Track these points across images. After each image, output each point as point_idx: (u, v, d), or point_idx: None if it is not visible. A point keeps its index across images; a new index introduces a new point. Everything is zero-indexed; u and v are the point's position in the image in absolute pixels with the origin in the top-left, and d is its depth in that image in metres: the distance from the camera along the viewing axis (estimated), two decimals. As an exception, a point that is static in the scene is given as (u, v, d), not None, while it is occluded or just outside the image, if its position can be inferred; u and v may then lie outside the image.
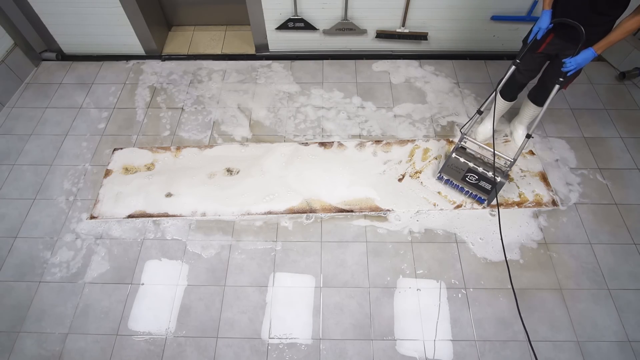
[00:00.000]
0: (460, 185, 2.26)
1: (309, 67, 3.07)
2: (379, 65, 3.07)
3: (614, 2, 1.65)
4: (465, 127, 2.19)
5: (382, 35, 2.96)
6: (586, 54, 1.72)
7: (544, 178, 2.39)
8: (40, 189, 2.39)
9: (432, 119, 2.72)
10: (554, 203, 2.28)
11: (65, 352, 1.87)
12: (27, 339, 1.91)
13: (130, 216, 2.26)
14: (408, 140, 2.59)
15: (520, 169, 2.42)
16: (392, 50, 3.12)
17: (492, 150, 2.05)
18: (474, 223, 2.22)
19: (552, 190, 2.34)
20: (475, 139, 2.34)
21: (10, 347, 1.89)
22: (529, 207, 2.27)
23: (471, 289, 2.01)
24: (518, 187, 2.34)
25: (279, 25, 2.91)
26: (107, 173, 2.45)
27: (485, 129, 2.54)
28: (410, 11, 2.80)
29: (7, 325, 1.94)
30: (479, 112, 2.11)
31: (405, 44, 3.06)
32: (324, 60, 3.12)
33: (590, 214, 2.26)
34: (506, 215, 2.23)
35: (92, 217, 2.26)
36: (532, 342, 1.85)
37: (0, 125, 2.72)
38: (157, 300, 2.00)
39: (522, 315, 1.92)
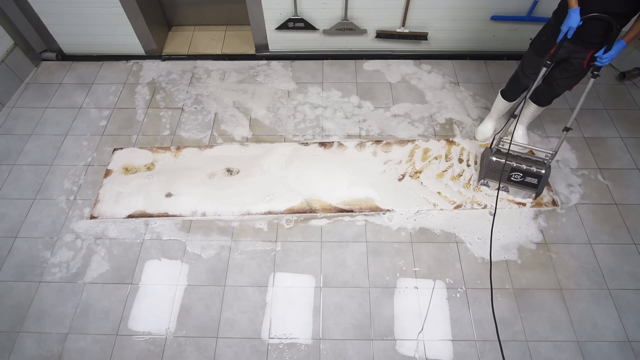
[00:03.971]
0: (504, 186, 2.29)
1: (309, 67, 3.07)
2: (378, 65, 3.07)
3: (635, 4, 1.64)
4: (502, 131, 2.19)
5: (382, 35, 2.96)
6: (618, 46, 1.71)
7: (544, 178, 2.39)
8: (40, 189, 2.39)
9: (432, 118, 2.72)
10: (554, 203, 2.28)
11: (65, 352, 1.87)
12: (27, 339, 1.91)
13: (130, 216, 2.26)
14: (408, 140, 2.59)
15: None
16: (392, 50, 3.12)
17: (529, 146, 2.14)
18: (472, 223, 2.22)
19: (552, 190, 2.34)
20: (477, 139, 2.33)
21: (10, 347, 1.89)
22: (529, 206, 2.27)
23: (471, 289, 2.01)
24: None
25: (279, 25, 2.91)
26: (107, 173, 2.45)
27: (485, 128, 2.54)
28: (410, 11, 2.80)
29: (7, 325, 1.94)
30: (514, 116, 2.09)
31: (405, 44, 3.06)
32: (324, 60, 3.12)
33: (590, 214, 2.26)
34: (505, 216, 2.23)
35: (92, 217, 2.26)
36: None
37: (0, 125, 2.72)
38: (157, 300, 2.00)
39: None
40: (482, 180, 2.32)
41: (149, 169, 2.47)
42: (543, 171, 2.13)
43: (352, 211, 2.27)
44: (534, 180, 2.16)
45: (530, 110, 2.35)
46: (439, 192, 2.33)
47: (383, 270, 2.07)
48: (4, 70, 2.82)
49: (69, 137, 2.65)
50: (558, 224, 2.22)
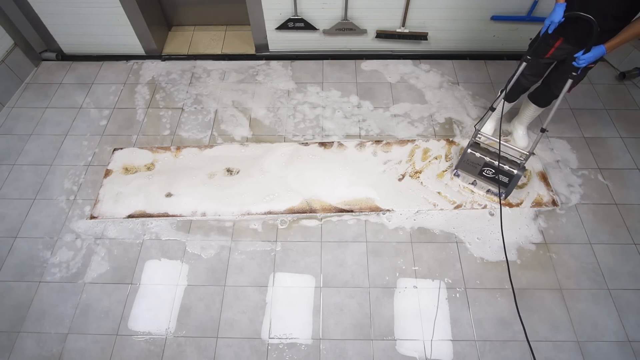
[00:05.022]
0: (476, 181, 2.29)
1: (309, 67, 3.07)
2: (376, 65, 3.07)
3: (633, 6, 1.64)
4: (479, 123, 2.20)
5: (382, 35, 2.96)
6: (597, 51, 1.72)
7: (544, 178, 2.39)
8: (40, 189, 2.39)
9: (431, 118, 2.72)
10: (554, 203, 2.28)
11: (65, 352, 1.87)
12: (27, 339, 1.91)
13: (130, 216, 2.26)
14: (408, 140, 2.59)
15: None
16: (392, 50, 3.12)
17: (506, 145, 2.11)
18: (472, 223, 2.22)
19: (552, 190, 2.34)
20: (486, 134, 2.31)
21: (10, 347, 1.89)
22: (529, 206, 2.27)
23: (471, 289, 2.01)
24: (518, 187, 2.34)
25: (279, 25, 2.91)
26: (107, 173, 2.45)
27: (485, 129, 2.53)
28: (410, 11, 2.80)
29: (7, 325, 1.94)
30: (492, 109, 2.11)
31: (405, 44, 3.06)
32: (324, 60, 3.12)
33: (590, 214, 2.26)
34: (505, 217, 2.23)
35: (92, 217, 2.26)
36: (531, 342, 1.87)
37: (0, 125, 2.72)
38: (157, 300, 2.00)
39: (521, 315, 1.93)
40: (455, 170, 2.32)
41: (149, 169, 2.47)
42: (515, 171, 2.10)
43: (352, 211, 2.27)
44: (505, 179, 2.15)
45: (530, 110, 2.35)
46: (439, 192, 2.33)
47: (383, 270, 2.07)
48: (4, 70, 2.82)
49: (69, 137, 2.65)
50: (558, 224, 2.22)
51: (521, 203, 2.28)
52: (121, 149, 2.57)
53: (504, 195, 2.24)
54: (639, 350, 1.85)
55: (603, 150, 2.53)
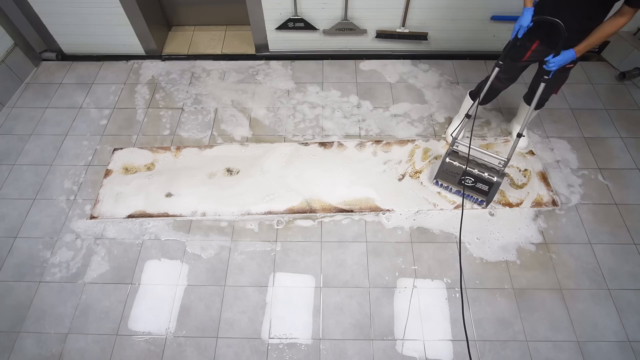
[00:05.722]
0: (457, 189, 2.26)
1: (309, 67, 3.07)
2: (374, 65, 3.07)
3: (604, 6, 1.64)
4: (456, 131, 2.18)
5: (382, 35, 2.96)
6: (566, 55, 1.73)
7: (544, 178, 2.39)
8: (40, 189, 2.39)
9: (431, 117, 2.72)
10: (554, 203, 2.28)
11: (65, 352, 1.87)
12: (27, 339, 1.91)
13: (130, 216, 2.26)
14: (408, 140, 2.59)
15: (518, 169, 2.42)
16: (392, 50, 3.12)
17: (482, 152, 2.07)
18: (472, 223, 2.22)
19: (552, 191, 2.34)
20: (447, 140, 2.30)
21: (10, 347, 1.89)
22: (529, 206, 2.27)
23: (470, 289, 2.01)
24: (518, 187, 2.34)
25: (279, 25, 2.91)
26: (107, 173, 2.45)
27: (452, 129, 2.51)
28: (410, 11, 2.80)
29: (7, 325, 1.94)
30: (467, 116, 2.10)
31: (405, 44, 3.06)
32: (324, 60, 3.12)
33: (590, 214, 2.26)
34: (505, 217, 2.23)
35: (92, 217, 2.26)
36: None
37: (0, 125, 2.72)
38: (157, 300, 2.00)
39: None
40: (435, 180, 2.30)
41: (149, 169, 2.47)
42: (494, 179, 2.08)
43: (352, 211, 2.27)
44: (485, 187, 2.12)
45: (527, 111, 2.35)
46: (438, 192, 2.33)
47: (383, 270, 2.07)
48: (4, 70, 2.82)
49: (69, 137, 2.65)
50: (558, 224, 2.22)
51: (521, 203, 2.28)
52: (121, 149, 2.57)
53: (484, 204, 2.23)
54: (639, 350, 1.85)
55: (603, 150, 2.53)
